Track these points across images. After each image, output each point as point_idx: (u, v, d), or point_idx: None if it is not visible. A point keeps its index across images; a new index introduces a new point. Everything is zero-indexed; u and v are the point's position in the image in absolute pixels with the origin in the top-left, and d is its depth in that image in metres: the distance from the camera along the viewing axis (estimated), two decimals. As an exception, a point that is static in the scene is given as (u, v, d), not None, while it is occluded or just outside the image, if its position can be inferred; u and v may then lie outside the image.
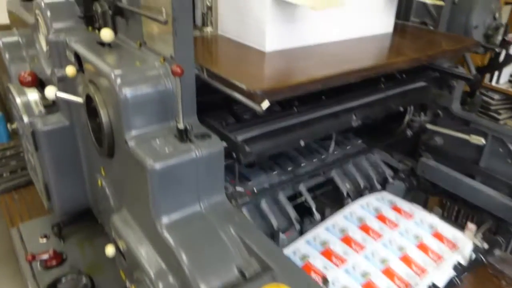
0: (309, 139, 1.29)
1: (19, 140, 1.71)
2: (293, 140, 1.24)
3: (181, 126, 0.95)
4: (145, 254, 0.98)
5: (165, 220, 0.93)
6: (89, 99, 1.12)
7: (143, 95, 0.96)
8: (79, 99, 1.17)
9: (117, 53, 1.10)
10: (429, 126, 1.66)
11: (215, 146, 0.97)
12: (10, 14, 1.76)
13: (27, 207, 1.98)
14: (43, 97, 1.40)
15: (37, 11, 1.33)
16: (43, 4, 1.27)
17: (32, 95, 1.46)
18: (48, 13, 1.26)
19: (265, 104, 0.85)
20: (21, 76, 1.33)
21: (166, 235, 0.91)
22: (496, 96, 2.93)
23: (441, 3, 1.45)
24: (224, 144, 1.00)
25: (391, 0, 1.46)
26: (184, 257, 0.86)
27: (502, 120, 2.88)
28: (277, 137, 1.21)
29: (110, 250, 1.12)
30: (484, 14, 1.56)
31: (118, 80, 0.94)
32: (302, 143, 1.25)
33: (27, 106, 1.42)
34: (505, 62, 1.65)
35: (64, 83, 1.30)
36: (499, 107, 2.94)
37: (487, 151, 1.61)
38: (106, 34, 1.10)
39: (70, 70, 1.14)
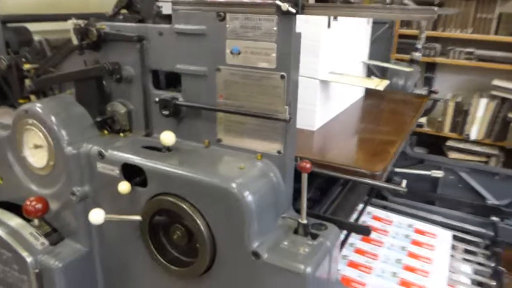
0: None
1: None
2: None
3: (304, 221, 0.93)
4: None
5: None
6: (161, 214, 0.97)
7: (262, 200, 0.90)
8: (136, 217, 0.99)
9: (191, 157, 1.00)
10: (397, 169, 1.96)
11: (336, 233, 0.97)
12: None
13: None
14: (38, 224, 1.12)
15: (35, 124, 1.08)
16: (54, 120, 1.06)
17: (19, 224, 1.14)
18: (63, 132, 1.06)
19: (404, 184, 0.92)
20: (28, 205, 1.04)
21: None
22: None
23: (411, 69, 1.80)
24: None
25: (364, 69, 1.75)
26: None
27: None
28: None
29: None
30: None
31: (241, 190, 0.87)
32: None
33: (21, 239, 1.10)
34: (432, 108, 2.10)
35: (84, 202, 1.08)
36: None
37: (441, 181, 2.00)
38: (168, 137, 0.99)
39: (125, 187, 0.97)
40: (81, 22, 1.09)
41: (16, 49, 1.42)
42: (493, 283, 1.45)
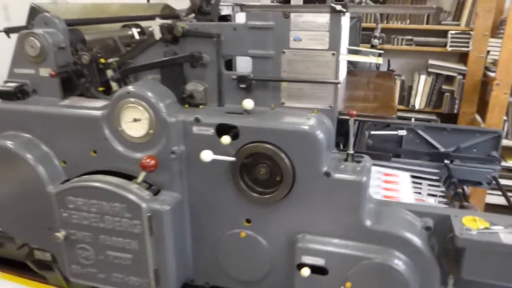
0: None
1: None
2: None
3: (352, 151, 1.40)
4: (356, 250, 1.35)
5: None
6: (253, 156, 1.37)
7: (325, 137, 1.35)
8: (232, 158, 1.38)
9: (268, 115, 1.41)
10: (372, 132, 2.51)
11: (369, 160, 1.45)
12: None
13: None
14: (141, 181, 1.46)
15: (136, 102, 1.42)
16: (153, 97, 1.41)
17: (123, 182, 1.46)
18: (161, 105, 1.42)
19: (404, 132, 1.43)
20: (145, 161, 1.37)
21: (377, 227, 1.34)
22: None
23: (380, 61, 2.32)
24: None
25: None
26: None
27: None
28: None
29: (305, 272, 1.38)
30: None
31: (314, 131, 1.31)
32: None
33: (131, 191, 1.43)
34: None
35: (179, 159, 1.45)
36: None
37: (404, 138, 2.59)
38: (249, 103, 1.40)
39: (227, 140, 1.35)
40: (167, 22, 1.44)
41: (75, 48, 1.71)
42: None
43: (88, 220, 1.50)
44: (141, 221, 1.43)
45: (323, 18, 1.33)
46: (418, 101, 3.53)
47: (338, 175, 1.33)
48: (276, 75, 1.43)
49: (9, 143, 1.56)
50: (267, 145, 1.35)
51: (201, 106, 1.51)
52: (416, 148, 2.64)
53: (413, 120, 2.36)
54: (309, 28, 1.35)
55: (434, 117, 3.56)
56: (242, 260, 1.53)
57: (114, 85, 1.57)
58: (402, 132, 2.65)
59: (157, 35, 1.47)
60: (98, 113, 1.50)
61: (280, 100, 1.46)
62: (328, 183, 1.34)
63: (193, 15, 1.55)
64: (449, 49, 3.29)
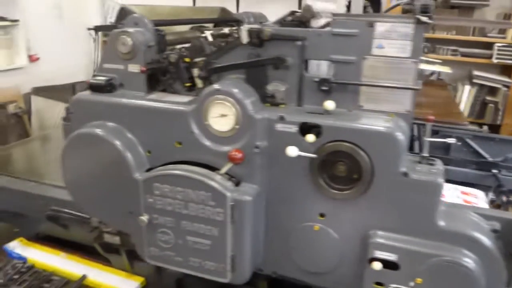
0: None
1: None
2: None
3: (426, 154, 1.49)
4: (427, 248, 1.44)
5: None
6: (333, 154, 1.48)
7: (404, 139, 1.44)
8: (313, 155, 1.49)
9: (347, 116, 1.52)
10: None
11: (441, 163, 1.54)
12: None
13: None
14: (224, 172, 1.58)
15: (225, 98, 1.54)
16: (241, 94, 1.54)
17: (208, 172, 1.59)
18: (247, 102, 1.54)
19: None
20: (233, 154, 1.50)
21: (449, 227, 1.43)
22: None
23: (449, 70, 2.40)
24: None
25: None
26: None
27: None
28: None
29: (377, 266, 1.48)
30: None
31: (395, 132, 1.41)
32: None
33: (216, 181, 1.55)
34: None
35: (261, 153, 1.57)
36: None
37: (452, 147, 2.66)
38: (331, 104, 1.51)
39: (312, 138, 1.47)
40: (256, 27, 1.57)
41: (159, 46, 1.85)
42: None
43: (172, 206, 1.63)
44: (224, 209, 1.55)
45: (407, 28, 1.44)
46: (461, 110, 3.59)
47: (416, 176, 1.43)
48: (356, 79, 1.54)
49: (101, 131, 1.70)
50: (349, 144, 1.46)
51: (282, 106, 1.63)
52: (463, 156, 2.71)
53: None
54: (392, 37, 1.46)
55: (476, 127, 3.60)
56: (312, 251, 1.63)
57: (199, 82, 1.70)
58: (452, 140, 2.72)
59: (245, 39, 1.59)
60: (186, 107, 1.63)
61: (358, 103, 1.56)
62: (405, 183, 1.44)
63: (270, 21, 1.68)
64: (495, 61, 3.36)
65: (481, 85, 3.53)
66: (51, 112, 4.48)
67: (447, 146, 2.69)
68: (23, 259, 2.30)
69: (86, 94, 1.80)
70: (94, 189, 1.79)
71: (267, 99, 1.64)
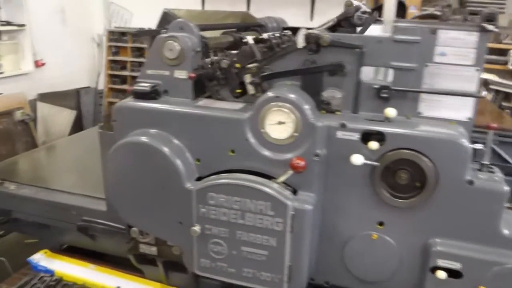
0: None
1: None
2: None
3: (487, 162, 1.50)
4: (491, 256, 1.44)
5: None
6: (395, 162, 1.47)
7: (470, 148, 1.44)
8: (376, 163, 1.48)
9: (410, 124, 1.51)
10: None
11: (499, 170, 1.55)
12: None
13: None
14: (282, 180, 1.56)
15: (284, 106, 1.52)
16: (301, 102, 1.52)
17: (265, 181, 1.56)
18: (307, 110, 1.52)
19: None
20: (295, 162, 1.47)
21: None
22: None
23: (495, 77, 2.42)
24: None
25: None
26: None
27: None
28: None
29: (442, 275, 1.47)
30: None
31: (461, 139, 1.41)
32: None
33: (276, 190, 1.52)
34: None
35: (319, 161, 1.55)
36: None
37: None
38: (392, 111, 1.50)
39: (376, 145, 1.45)
40: (314, 32, 1.55)
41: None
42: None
43: (227, 216, 1.59)
44: (284, 219, 1.53)
45: (472, 36, 1.45)
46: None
47: (481, 184, 1.43)
48: (416, 86, 1.54)
49: (150, 140, 1.66)
50: (413, 152, 1.45)
51: (337, 113, 1.61)
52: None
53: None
54: (456, 45, 1.47)
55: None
56: (369, 261, 1.62)
57: (251, 88, 1.68)
58: (479, 146, 2.75)
59: (301, 43, 1.58)
60: (241, 115, 1.60)
61: (417, 110, 1.56)
62: (470, 191, 1.44)
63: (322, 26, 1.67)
64: (510, 67, 3.43)
65: (497, 91, 3.61)
66: (56, 118, 4.37)
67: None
68: (51, 272, 2.22)
69: (130, 102, 1.76)
70: (140, 199, 1.74)
71: (322, 106, 1.62)
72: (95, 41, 5.05)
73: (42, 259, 2.30)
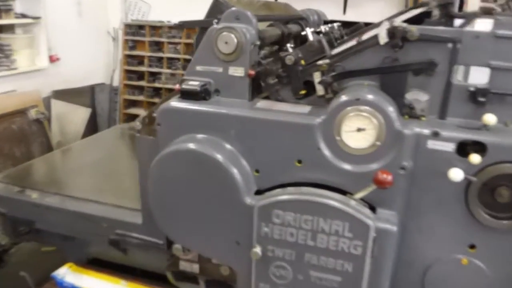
0: None
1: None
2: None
3: None
4: None
5: None
6: (496, 177, 1.26)
7: None
8: (473, 178, 1.27)
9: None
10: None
11: None
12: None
13: None
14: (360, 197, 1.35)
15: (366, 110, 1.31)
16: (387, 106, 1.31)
17: (342, 197, 1.35)
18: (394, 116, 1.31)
19: None
20: (380, 176, 1.26)
21: None
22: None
23: None
24: None
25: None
26: None
27: None
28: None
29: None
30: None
31: None
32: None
33: (355, 209, 1.32)
34: None
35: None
36: None
37: None
38: (492, 118, 1.29)
39: (477, 158, 1.24)
40: (402, 25, 1.34)
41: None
42: None
43: (295, 237, 1.39)
44: (365, 242, 1.32)
45: None
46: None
47: None
48: (517, 89, 1.33)
49: (204, 148, 1.45)
50: (521, 165, 1.24)
51: (422, 118, 1.40)
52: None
53: None
54: None
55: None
56: (457, 289, 1.42)
57: (320, 89, 1.47)
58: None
59: (383, 38, 1.37)
60: (312, 120, 1.39)
61: (517, 117, 1.35)
62: None
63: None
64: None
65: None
66: (71, 117, 4.16)
67: None
68: (78, 289, 2.03)
69: (178, 103, 1.54)
70: (190, 215, 1.54)
71: (405, 110, 1.41)
72: (111, 35, 4.83)
73: (67, 274, 2.10)
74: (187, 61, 5.32)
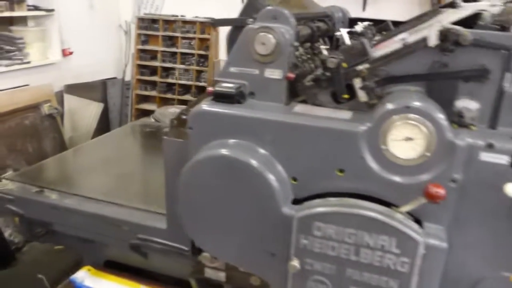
0: None
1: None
2: None
3: None
4: None
5: None
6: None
7: None
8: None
9: None
10: None
11: None
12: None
13: None
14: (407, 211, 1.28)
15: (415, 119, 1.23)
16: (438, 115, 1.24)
17: (387, 210, 1.28)
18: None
19: None
20: (431, 190, 1.19)
21: None
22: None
23: None
24: None
25: None
26: None
27: None
28: None
29: None
30: None
31: None
32: None
33: (402, 223, 1.25)
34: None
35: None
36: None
37: None
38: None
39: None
40: (455, 27, 1.26)
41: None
42: None
43: (336, 251, 1.32)
44: (412, 258, 1.25)
45: None
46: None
47: None
48: None
49: (241, 155, 1.38)
50: None
51: (472, 127, 1.32)
52: None
53: None
54: None
55: None
56: (505, 308, 1.35)
57: (362, 95, 1.39)
58: None
59: (433, 41, 1.29)
60: (356, 127, 1.31)
61: None
62: None
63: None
64: None
65: None
66: (83, 112, 4.09)
67: None
68: (97, 294, 1.97)
69: (211, 106, 1.47)
70: (222, 223, 1.47)
71: (454, 119, 1.34)
72: (123, 29, 4.74)
73: (86, 277, 2.05)
74: (201, 56, 5.27)
